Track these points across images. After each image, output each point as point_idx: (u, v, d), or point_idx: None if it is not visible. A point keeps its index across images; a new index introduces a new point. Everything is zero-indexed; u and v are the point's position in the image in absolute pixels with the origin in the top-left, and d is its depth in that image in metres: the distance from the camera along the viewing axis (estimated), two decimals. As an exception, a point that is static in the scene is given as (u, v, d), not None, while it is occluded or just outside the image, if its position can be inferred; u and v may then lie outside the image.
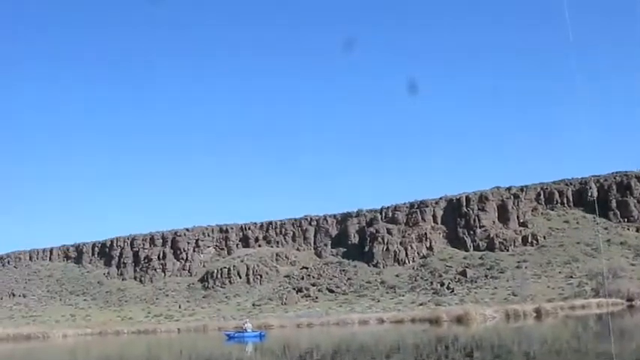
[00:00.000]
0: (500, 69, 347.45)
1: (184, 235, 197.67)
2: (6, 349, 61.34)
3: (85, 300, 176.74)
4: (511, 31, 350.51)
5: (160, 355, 38.85)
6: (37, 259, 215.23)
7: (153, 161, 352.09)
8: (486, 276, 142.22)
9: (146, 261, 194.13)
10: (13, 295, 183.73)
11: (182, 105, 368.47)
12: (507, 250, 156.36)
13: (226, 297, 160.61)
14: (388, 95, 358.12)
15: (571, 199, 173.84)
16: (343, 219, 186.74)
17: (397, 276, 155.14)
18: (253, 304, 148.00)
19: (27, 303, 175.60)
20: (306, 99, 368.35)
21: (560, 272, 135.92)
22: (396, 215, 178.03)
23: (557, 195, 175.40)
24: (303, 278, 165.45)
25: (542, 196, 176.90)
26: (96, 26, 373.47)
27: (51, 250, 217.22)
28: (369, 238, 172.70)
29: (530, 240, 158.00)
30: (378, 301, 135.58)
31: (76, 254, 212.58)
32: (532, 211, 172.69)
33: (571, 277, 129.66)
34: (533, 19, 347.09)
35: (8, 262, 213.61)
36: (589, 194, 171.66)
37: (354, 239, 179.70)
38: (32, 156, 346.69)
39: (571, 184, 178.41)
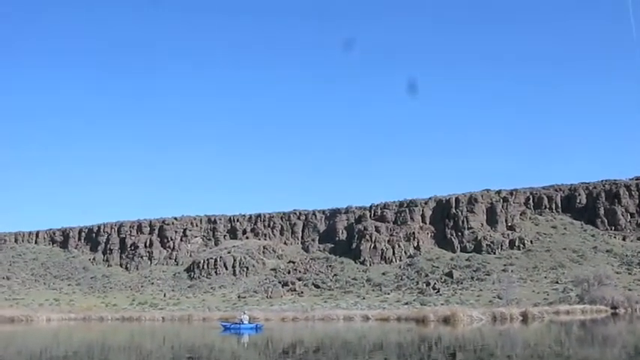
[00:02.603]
0: (495, 73, 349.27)
1: (172, 223, 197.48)
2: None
3: (69, 285, 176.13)
4: (509, 36, 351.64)
5: (143, 344, 38.71)
6: (23, 241, 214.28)
7: (143, 149, 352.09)
8: (472, 278, 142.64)
9: (132, 248, 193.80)
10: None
11: (177, 96, 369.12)
12: (494, 253, 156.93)
13: (212, 288, 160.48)
14: (383, 95, 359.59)
15: (559, 205, 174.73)
16: (332, 215, 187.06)
17: (383, 274, 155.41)
18: (238, 296, 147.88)
19: (10, 285, 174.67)
20: (300, 96, 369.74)
21: (545, 277, 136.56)
22: (384, 213, 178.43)
23: (546, 200, 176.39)
24: (289, 272, 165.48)
25: (531, 201, 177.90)
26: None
27: (37, 234, 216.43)
28: (357, 235, 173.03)
29: (517, 244, 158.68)
30: (364, 298, 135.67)
31: (62, 238, 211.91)
32: (520, 215, 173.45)
33: (557, 282, 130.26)
34: (532, 25, 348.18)
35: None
36: (577, 201, 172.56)
37: (342, 235, 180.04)
38: (24, 140, 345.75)
39: (560, 190, 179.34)
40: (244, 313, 64.69)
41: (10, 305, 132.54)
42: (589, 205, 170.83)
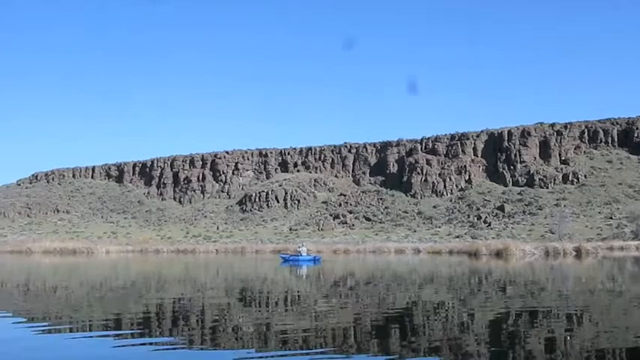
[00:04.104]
0: (546, 9, 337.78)
1: (224, 157, 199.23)
2: (55, 261, 63.39)
3: (125, 218, 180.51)
4: None
5: (198, 275, 39.72)
6: (80, 176, 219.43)
7: (194, 84, 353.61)
8: (524, 212, 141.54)
9: (185, 182, 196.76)
10: (57, 210, 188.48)
11: (226, 30, 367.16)
12: (547, 187, 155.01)
13: (263, 220, 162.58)
14: (438, 29, 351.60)
15: (616, 139, 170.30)
16: (383, 148, 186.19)
17: (434, 207, 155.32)
18: (290, 229, 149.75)
19: (70, 219, 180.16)
20: (347, 29, 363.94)
21: (599, 212, 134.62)
22: (436, 146, 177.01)
23: (601, 134, 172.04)
24: (340, 205, 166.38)
25: (586, 135, 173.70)
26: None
27: (93, 169, 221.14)
28: (407, 168, 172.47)
29: (570, 178, 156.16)
30: (415, 231, 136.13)
31: (117, 173, 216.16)
32: (575, 149, 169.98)
33: (610, 217, 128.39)
34: None
35: (52, 179, 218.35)
36: (635, 135, 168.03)
37: (393, 168, 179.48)
38: (78, 76, 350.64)
39: (617, 123, 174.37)
40: (302, 245, 65.35)
41: (71, 238, 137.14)
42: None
